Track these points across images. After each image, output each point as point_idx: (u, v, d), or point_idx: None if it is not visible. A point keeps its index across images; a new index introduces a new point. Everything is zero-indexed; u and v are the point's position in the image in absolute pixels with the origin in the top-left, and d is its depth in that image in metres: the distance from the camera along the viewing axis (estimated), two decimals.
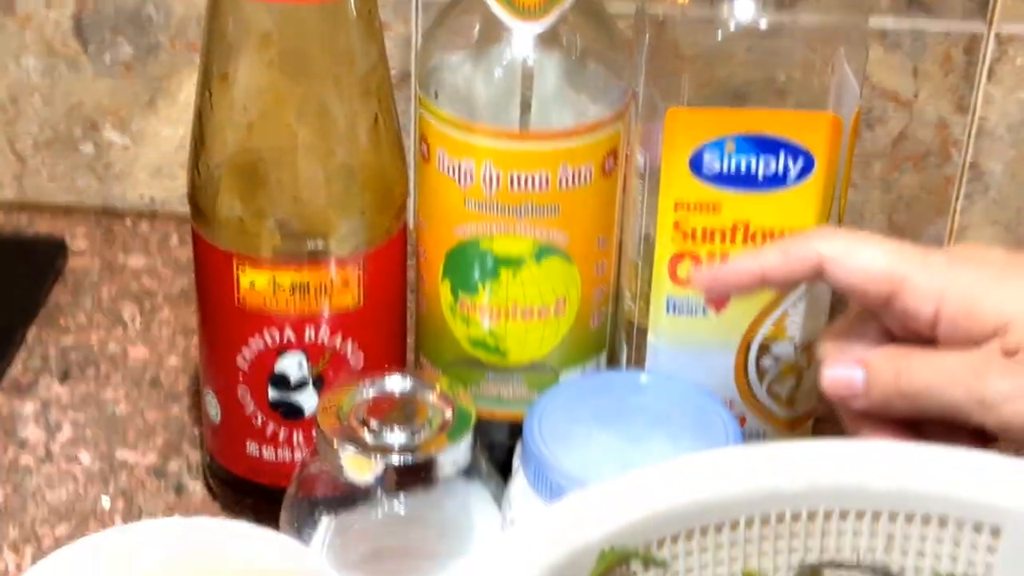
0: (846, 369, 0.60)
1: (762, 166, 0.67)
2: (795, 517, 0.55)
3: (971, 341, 0.57)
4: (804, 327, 0.70)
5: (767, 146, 0.67)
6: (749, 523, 0.55)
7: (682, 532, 0.54)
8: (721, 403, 0.68)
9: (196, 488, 0.77)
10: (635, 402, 0.68)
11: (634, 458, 0.65)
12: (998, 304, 0.57)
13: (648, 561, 0.54)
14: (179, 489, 0.77)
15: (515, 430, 0.70)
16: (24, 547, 0.73)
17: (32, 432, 0.80)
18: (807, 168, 0.67)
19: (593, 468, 0.63)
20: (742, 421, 0.71)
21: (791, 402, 0.72)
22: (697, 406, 0.67)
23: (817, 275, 0.59)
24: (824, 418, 0.80)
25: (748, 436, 0.71)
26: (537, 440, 0.66)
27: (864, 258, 0.59)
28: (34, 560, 0.71)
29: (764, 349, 0.70)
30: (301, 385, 0.71)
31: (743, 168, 0.67)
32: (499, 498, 0.70)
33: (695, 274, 0.63)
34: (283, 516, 0.69)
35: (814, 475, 0.55)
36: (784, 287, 0.64)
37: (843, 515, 0.55)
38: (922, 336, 0.59)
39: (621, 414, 0.68)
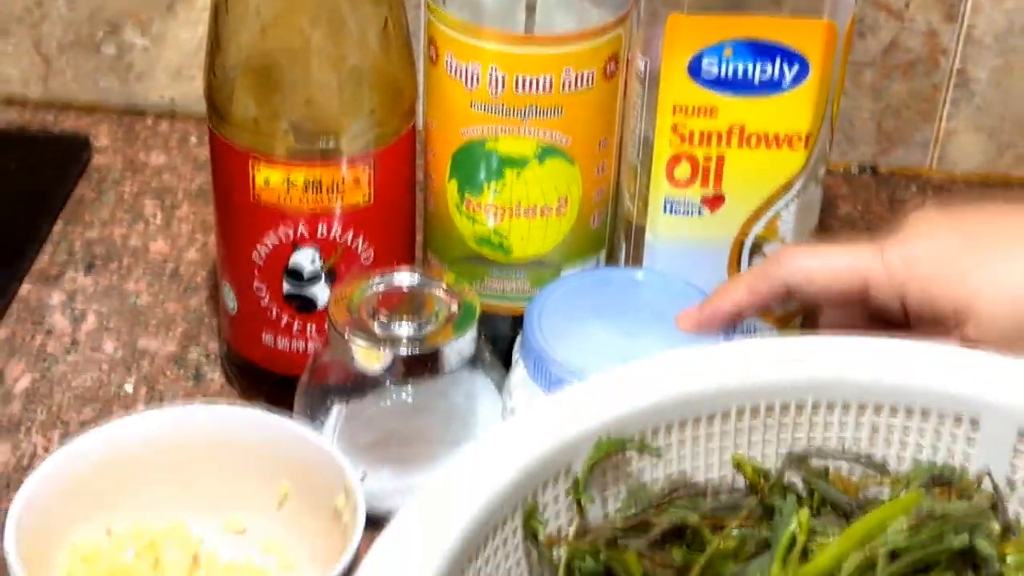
0: None
1: (759, 71, 0.66)
2: (783, 409, 0.55)
3: (940, 327, 0.58)
4: (795, 227, 0.69)
5: (764, 51, 0.65)
6: (739, 414, 0.55)
7: (676, 422, 0.54)
8: None
9: (214, 376, 0.76)
10: (632, 298, 0.67)
11: (630, 351, 0.64)
12: (954, 296, 0.57)
13: (643, 449, 0.53)
14: (198, 376, 0.76)
15: (517, 323, 0.69)
16: (52, 430, 0.73)
17: (58, 321, 0.79)
18: (802, 74, 0.66)
19: (590, 360, 0.63)
20: None
21: None
22: (691, 302, 0.66)
23: (789, 298, 0.60)
24: (813, 314, 0.79)
25: (739, 332, 0.70)
26: (537, 333, 0.65)
27: (824, 278, 0.59)
28: (61, 442, 0.71)
29: (756, 248, 0.69)
30: (314, 279, 0.70)
31: (740, 73, 0.66)
32: (501, 388, 0.69)
33: (680, 321, 0.64)
34: (297, 403, 0.69)
35: (801, 369, 0.55)
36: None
37: (829, 407, 0.54)
38: (900, 322, 0.59)
39: (618, 309, 0.67)
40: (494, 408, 0.69)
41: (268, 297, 0.71)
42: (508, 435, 0.52)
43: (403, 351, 0.64)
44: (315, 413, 0.68)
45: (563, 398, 0.54)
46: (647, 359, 0.56)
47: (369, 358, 0.65)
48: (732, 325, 0.63)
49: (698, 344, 0.57)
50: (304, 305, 0.71)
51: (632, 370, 0.55)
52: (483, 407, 0.69)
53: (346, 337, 0.65)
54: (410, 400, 0.67)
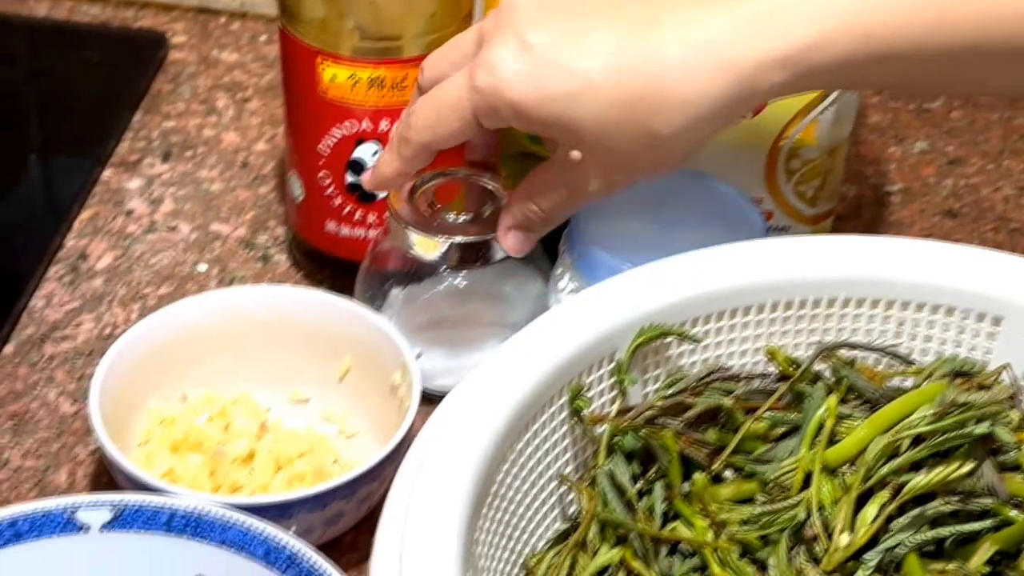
0: None
1: None
2: (815, 303, 0.54)
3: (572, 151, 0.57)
4: (830, 134, 0.68)
5: None
6: (773, 307, 0.54)
7: (713, 313, 0.54)
8: (750, 200, 0.66)
9: (281, 259, 0.76)
10: (673, 196, 0.66)
11: (670, 246, 0.63)
12: (550, 115, 0.54)
13: (682, 336, 0.53)
14: (266, 259, 0.76)
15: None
16: (131, 304, 0.73)
17: (137, 204, 0.79)
18: None
19: (632, 254, 0.62)
20: (769, 216, 0.69)
21: (814, 200, 0.70)
22: (729, 202, 0.66)
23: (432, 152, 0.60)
24: (843, 216, 0.78)
25: (774, 231, 0.69)
26: (582, 227, 0.64)
27: (442, 133, 0.58)
28: (140, 315, 0.71)
29: (793, 153, 0.68)
30: None
31: None
32: (548, 278, 0.69)
33: (364, 177, 0.64)
34: (358, 286, 0.69)
35: (833, 266, 0.54)
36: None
37: (858, 303, 0.54)
38: None
39: (660, 206, 0.66)
40: (540, 297, 0.68)
41: (332, 187, 0.70)
42: (556, 322, 0.52)
43: (457, 240, 0.64)
44: (374, 296, 0.68)
45: (607, 288, 0.54)
46: (687, 253, 0.55)
47: (425, 246, 0.65)
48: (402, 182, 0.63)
49: (734, 240, 0.56)
50: (365, 195, 0.70)
51: (673, 263, 0.54)
52: (530, 295, 0.68)
53: (404, 226, 0.64)
54: (463, 286, 0.67)
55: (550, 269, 0.68)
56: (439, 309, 0.67)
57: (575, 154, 0.56)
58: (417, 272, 0.67)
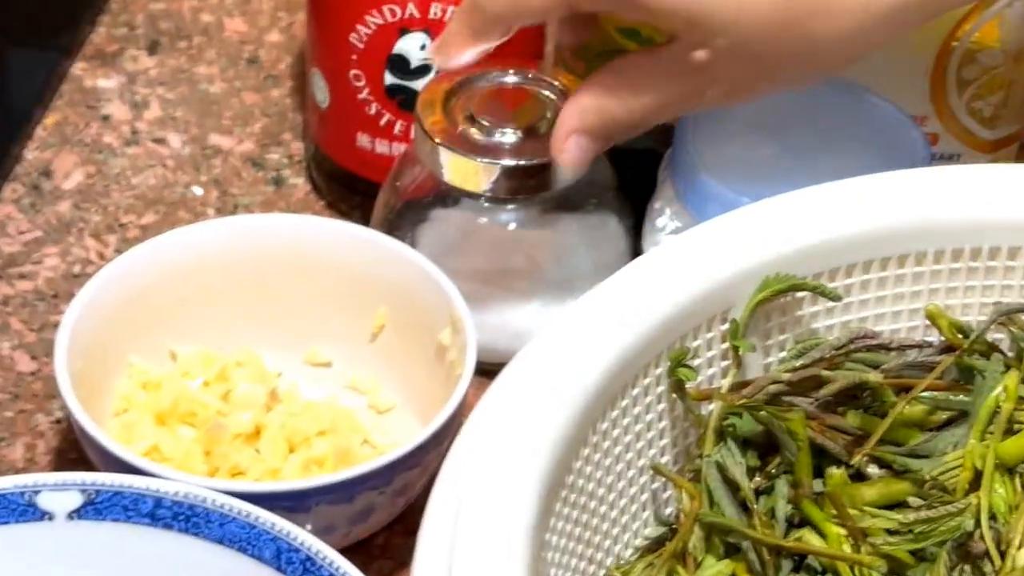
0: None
1: None
2: (991, 253, 0.54)
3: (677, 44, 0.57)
4: (1018, 33, 0.67)
5: None
6: (938, 256, 0.54)
7: (859, 262, 0.54)
8: (911, 119, 0.66)
9: (298, 182, 0.77)
10: (808, 112, 0.66)
11: (804, 174, 0.63)
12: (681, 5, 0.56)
13: (818, 291, 0.53)
14: (279, 182, 0.77)
15: (660, 137, 0.68)
16: (107, 235, 0.74)
17: (117, 109, 0.80)
18: None
19: (756, 183, 0.62)
20: (933, 140, 0.69)
21: (994, 121, 0.69)
22: (882, 121, 0.65)
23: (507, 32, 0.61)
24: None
25: (940, 159, 0.69)
26: (690, 148, 0.64)
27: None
28: (118, 250, 0.72)
29: (968, 56, 0.68)
30: (423, 71, 0.70)
31: None
32: (626, 218, 0.69)
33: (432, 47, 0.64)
34: (373, 222, 0.69)
35: (1016, 203, 0.54)
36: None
37: None
38: None
39: (790, 124, 0.66)
40: (617, 243, 0.68)
41: (367, 90, 0.71)
42: (653, 269, 0.52)
43: (503, 165, 0.64)
44: (396, 234, 0.68)
45: (722, 227, 0.54)
46: (825, 185, 0.55)
47: (463, 172, 0.64)
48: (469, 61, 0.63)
49: (888, 170, 0.56)
50: (409, 101, 0.70)
51: (807, 197, 0.54)
52: (603, 241, 0.68)
53: (436, 144, 0.64)
54: (513, 226, 0.67)
55: (629, 209, 0.68)
56: (480, 256, 0.68)
57: (700, 54, 0.56)
58: (453, 205, 0.67)
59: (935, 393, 0.51)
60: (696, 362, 0.52)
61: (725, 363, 0.53)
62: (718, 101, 0.58)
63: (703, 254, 0.53)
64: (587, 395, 0.49)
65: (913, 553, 0.48)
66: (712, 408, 0.52)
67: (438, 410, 0.60)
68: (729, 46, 0.56)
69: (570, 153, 0.62)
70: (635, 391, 0.51)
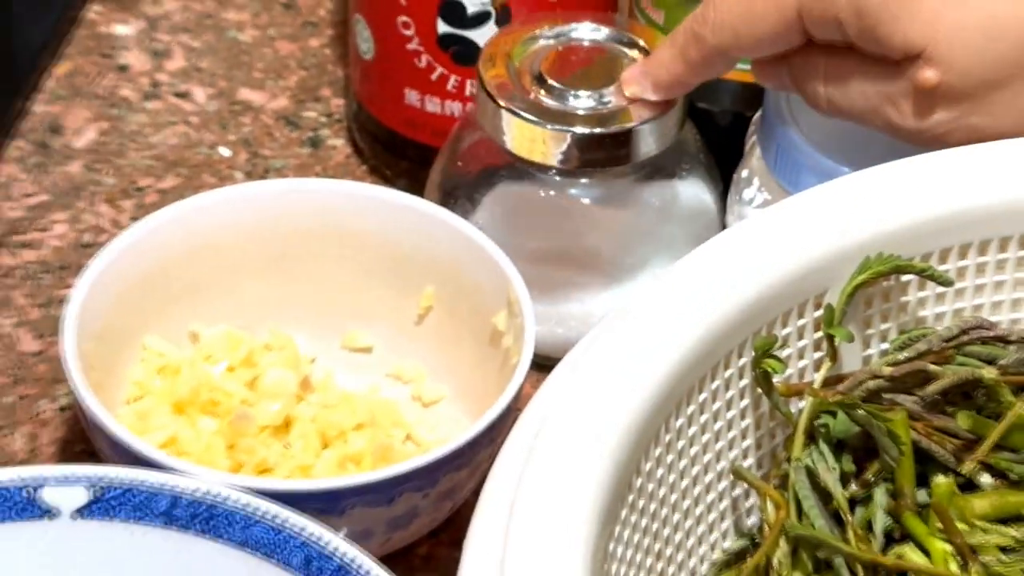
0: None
1: None
2: None
3: (891, 65, 0.59)
4: None
5: None
6: None
7: (975, 241, 0.53)
8: None
9: (338, 143, 0.77)
10: None
11: (910, 144, 0.63)
12: (903, 28, 0.57)
13: (926, 274, 0.53)
14: (316, 143, 0.77)
15: (750, 97, 0.68)
16: (123, 200, 0.74)
17: (135, 58, 0.81)
18: None
19: (857, 151, 0.62)
20: None
21: None
22: None
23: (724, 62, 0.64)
24: None
25: None
26: (783, 110, 0.64)
27: (761, 28, 0.61)
28: (135, 218, 0.73)
29: None
30: (480, 19, 0.70)
31: None
32: (715, 192, 0.69)
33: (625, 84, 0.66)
34: (428, 192, 0.69)
35: None
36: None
37: None
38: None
39: None
40: (706, 222, 0.68)
41: (416, 39, 0.71)
42: (738, 246, 0.52)
43: (578, 131, 0.64)
44: (450, 205, 0.68)
45: (818, 199, 0.54)
46: (935, 153, 0.55)
47: (529, 139, 0.65)
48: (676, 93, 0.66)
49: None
50: (464, 54, 0.71)
51: (916, 166, 0.54)
52: (688, 220, 0.68)
53: (500, 108, 0.65)
54: (584, 203, 0.67)
55: (719, 183, 0.68)
56: (546, 234, 0.68)
57: (929, 75, 0.57)
58: (516, 177, 0.67)
59: None
60: (785, 352, 0.52)
61: (818, 354, 0.53)
62: (911, 127, 0.59)
63: (795, 230, 0.52)
64: (660, 387, 0.49)
65: None
66: (803, 405, 0.52)
67: (491, 403, 0.60)
68: (939, 76, 0.57)
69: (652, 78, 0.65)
70: (715, 384, 0.51)
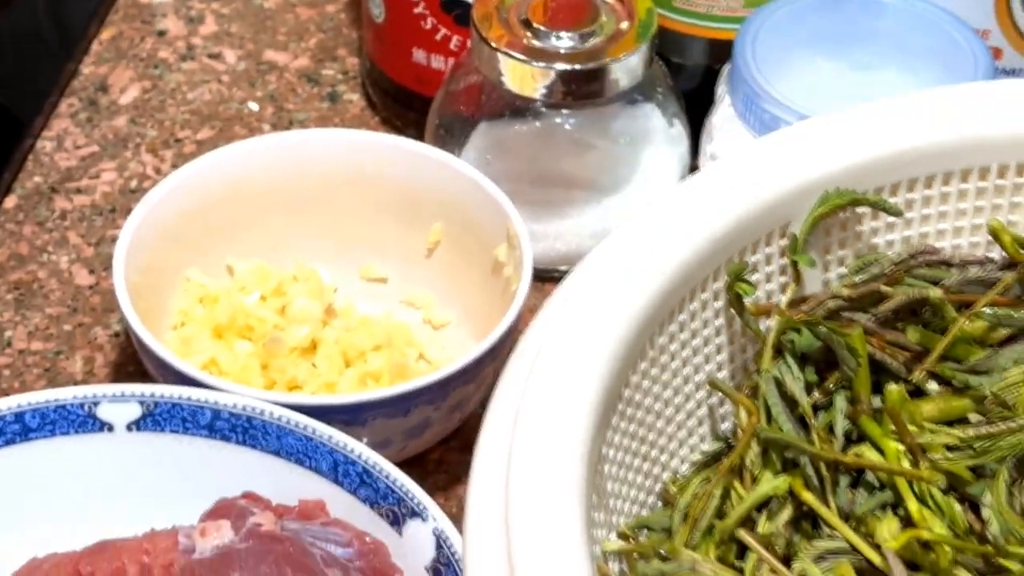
0: None
1: None
2: None
3: None
4: None
5: None
6: (1002, 171, 0.53)
7: (921, 176, 0.53)
8: (974, 32, 0.65)
9: (353, 97, 0.77)
10: (869, 25, 0.65)
11: (864, 89, 0.63)
12: None
13: (879, 206, 0.52)
14: (334, 97, 0.77)
15: (720, 52, 0.68)
16: (164, 150, 0.74)
17: (172, 23, 0.80)
18: None
19: (815, 98, 0.62)
20: (997, 54, 0.68)
21: None
22: (945, 34, 0.64)
23: None
24: None
25: (1003, 73, 0.68)
26: (750, 63, 0.64)
27: None
28: (175, 165, 0.72)
29: None
30: None
31: None
32: (683, 121, 0.68)
33: None
34: (428, 129, 0.68)
35: None
36: None
37: None
38: None
39: (851, 38, 0.65)
40: (669, 155, 0.68)
41: (423, 4, 0.70)
42: (712, 182, 0.52)
43: (561, 67, 0.64)
44: (447, 142, 0.68)
45: (781, 141, 0.53)
46: (888, 98, 0.54)
47: (520, 76, 0.65)
48: None
49: (952, 82, 0.55)
50: (465, 16, 0.70)
51: (869, 111, 0.54)
52: (655, 151, 0.68)
53: (494, 50, 0.64)
54: (567, 129, 0.67)
55: (686, 126, 0.68)
56: (534, 160, 0.67)
57: None
58: (506, 112, 0.67)
59: (997, 309, 0.50)
60: (755, 277, 0.52)
61: (784, 278, 0.53)
62: None
63: (762, 168, 0.52)
64: (644, 309, 0.48)
65: (973, 469, 0.47)
66: (770, 323, 0.51)
67: (494, 325, 0.60)
68: None
69: None
70: (693, 305, 0.51)
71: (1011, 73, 0.69)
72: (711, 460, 0.52)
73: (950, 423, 0.49)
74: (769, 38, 0.65)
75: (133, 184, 0.72)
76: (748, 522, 0.48)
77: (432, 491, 0.61)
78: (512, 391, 0.47)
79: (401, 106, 0.74)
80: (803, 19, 0.66)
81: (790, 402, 0.50)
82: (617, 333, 0.47)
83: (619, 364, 0.47)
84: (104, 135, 0.74)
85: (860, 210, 0.53)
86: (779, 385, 0.50)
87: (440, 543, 0.52)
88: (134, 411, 0.55)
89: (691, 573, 0.46)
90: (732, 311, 0.52)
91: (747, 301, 0.51)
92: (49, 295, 0.68)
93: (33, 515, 0.54)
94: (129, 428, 0.55)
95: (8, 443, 0.54)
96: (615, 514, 0.48)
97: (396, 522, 0.53)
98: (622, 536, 0.48)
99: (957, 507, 0.47)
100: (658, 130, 0.68)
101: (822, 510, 0.48)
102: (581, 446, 0.45)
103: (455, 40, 0.71)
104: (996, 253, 0.53)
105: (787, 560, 0.47)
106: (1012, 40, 0.68)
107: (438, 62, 0.72)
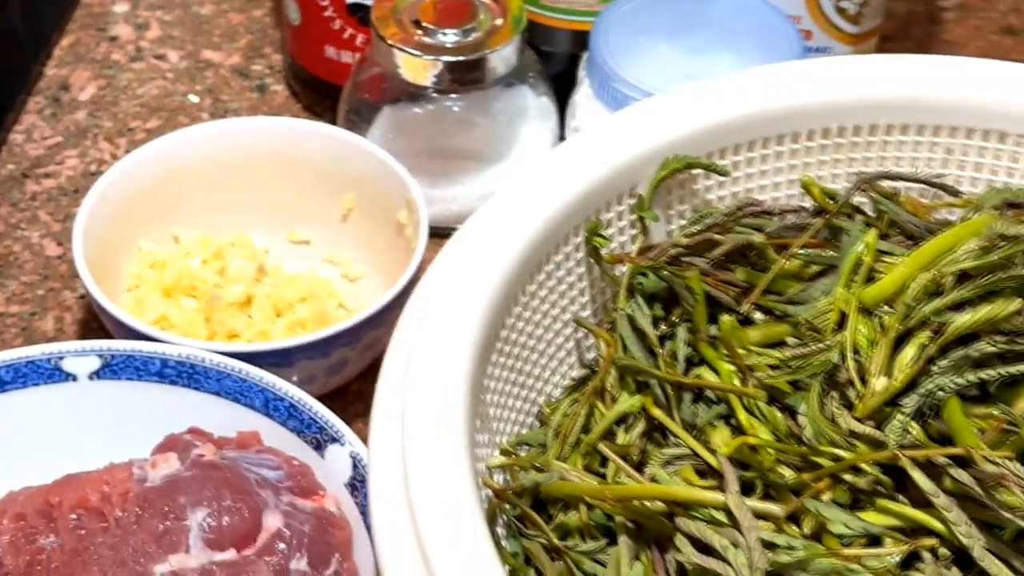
0: None
1: None
2: (855, 130, 0.53)
3: None
4: None
5: None
6: (810, 135, 0.53)
7: (744, 142, 0.53)
8: (788, 18, 0.64)
9: (278, 89, 0.75)
10: (702, 15, 0.65)
11: (698, 70, 0.62)
12: None
13: (710, 168, 0.52)
14: (262, 89, 0.75)
15: (580, 41, 0.67)
16: (118, 139, 0.72)
17: (123, 30, 0.78)
18: None
19: (658, 79, 0.61)
20: (807, 36, 0.67)
21: (858, 18, 0.68)
22: (764, 20, 0.64)
23: None
24: (889, 36, 0.76)
25: (813, 52, 0.68)
26: (603, 50, 0.63)
27: None
28: (128, 151, 0.71)
29: None
30: None
31: None
32: (552, 101, 0.68)
33: None
34: (340, 114, 0.67)
35: (874, 88, 0.53)
36: None
37: (903, 129, 0.52)
38: None
39: (688, 27, 0.64)
40: (541, 129, 0.67)
41: (331, 8, 0.69)
42: (572, 152, 0.51)
43: (447, 59, 0.63)
44: (356, 124, 0.67)
45: (629, 116, 0.52)
46: (716, 78, 0.54)
47: (413, 67, 0.64)
48: None
49: (771, 61, 0.55)
50: (367, 18, 0.68)
51: (700, 88, 0.53)
52: (530, 126, 0.67)
53: (391, 47, 0.63)
54: (456, 111, 0.66)
55: (555, 101, 0.67)
56: (430, 137, 0.67)
57: None
58: (404, 98, 0.66)
59: (809, 250, 0.50)
60: (609, 231, 0.51)
61: (633, 231, 0.52)
62: None
63: (613, 139, 0.51)
64: (516, 261, 0.48)
65: (791, 384, 0.47)
66: (624, 270, 0.51)
67: (398, 277, 0.59)
68: None
69: None
70: (558, 257, 0.50)
71: (819, 51, 0.68)
72: (579, 385, 0.51)
73: (772, 346, 0.49)
74: (619, 29, 0.64)
75: (93, 168, 0.70)
76: (609, 436, 0.48)
77: (352, 418, 0.60)
78: (408, 333, 0.46)
79: (318, 95, 0.73)
80: (647, 12, 0.65)
81: (641, 334, 0.49)
82: (493, 283, 0.47)
83: (497, 307, 0.47)
84: (67, 127, 0.72)
85: (695, 172, 0.53)
86: (631, 321, 0.50)
87: (355, 463, 0.51)
88: (94, 363, 0.54)
89: (561, 482, 0.46)
90: (592, 260, 0.51)
91: (604, 252, 0.51)
92: (23, 265, 0.66)
93: (8, 456, 0.52)
94: (91, 378, 0.54)
95: None
96: (499, 435, 0.48)
97: (319, 447, 0.52)
98: (504, 452, 0.48)
99: (779, 416, 0.46)
100: (531, 108, 0.67)
101: (669, 423, 0.47)
102: (466, 377, 0.44)
103: (360, 38, 0.69)
104: (808, 203, 0.53)
105: (641, 466, 0.47)
106: (819, 23, 0.68)
107: (347, 57, 0.70)
